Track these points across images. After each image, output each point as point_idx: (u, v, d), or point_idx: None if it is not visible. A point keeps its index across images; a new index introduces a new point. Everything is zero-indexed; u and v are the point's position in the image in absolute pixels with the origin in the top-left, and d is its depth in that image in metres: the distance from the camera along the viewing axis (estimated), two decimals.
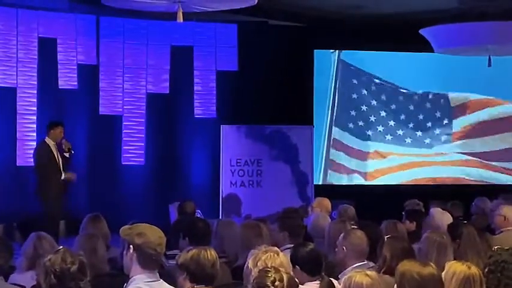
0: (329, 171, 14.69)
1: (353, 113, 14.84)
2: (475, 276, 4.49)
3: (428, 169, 14.99)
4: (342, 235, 5.94)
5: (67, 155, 10.90)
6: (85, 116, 13.02)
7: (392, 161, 14.90)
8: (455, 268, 4.54)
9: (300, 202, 12.26)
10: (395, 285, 4.41)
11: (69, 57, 12.82)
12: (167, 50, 13.67)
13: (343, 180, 14.75)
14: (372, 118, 14.89)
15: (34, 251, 5.77)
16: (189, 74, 13.79)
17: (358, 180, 14.76)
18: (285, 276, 4.09)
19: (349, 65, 14.88)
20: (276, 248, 4.77)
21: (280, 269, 4.20)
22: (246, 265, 4.65)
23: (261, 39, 13.85)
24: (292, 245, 6.16)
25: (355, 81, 14.88)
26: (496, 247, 5.17)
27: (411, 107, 15.05)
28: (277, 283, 4.05)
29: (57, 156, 10.75)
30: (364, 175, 14.80)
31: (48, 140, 10.86)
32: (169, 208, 11.67)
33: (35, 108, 12.43)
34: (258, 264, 4.55)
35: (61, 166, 10.76)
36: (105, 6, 10.67)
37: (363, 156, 14.82)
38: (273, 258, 4.58)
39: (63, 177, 10.70)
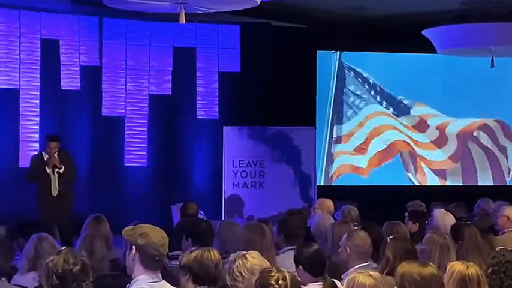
0: (331, 166, 14.68)
1: (354, 113, 14.85)
2: (471, 276, 4.47)
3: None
4: (345, 236, 5.94)
5: (61, 171, 11.00)
6: (88, 118, 13.02)
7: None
8: (454, 268, 4.54)
9: (302, 203, 12.26)
10: (396, 287, 4.41)
11: (72, 59, 12.82)
12: (170, 51, 13.66)
13: (346, 160, 14.73)
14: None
15: (35, 252, 5.80)
16: (191, 75, 13.79)
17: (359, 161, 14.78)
18: (287, 275, 4.11)
19: (351, 65, 14.88)
20: (243, 252, 4.73)
21: (282, 269, 4.22)
22: (227, 283, 4.62)
23: (263, 40, 13.84)
24: (292, 247, 6.18)
25: (357, 82, 14.88)
26: (499, 248, 5.17)
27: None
28: (280, 282, 4.08)
29: (51, 172, 11.01)
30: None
31: (45, 154, 11.11)
32: (171, 209, 11.68)
33: (38, 110, 12.43)
34: (234, 276, 4.54)
35: (54, 182, 11.00)
36: (108, 8, 10.64)
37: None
38: (242, 265, 4.56)
39: (52, 191, 10.97)
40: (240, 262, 4.56)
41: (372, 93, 14.89)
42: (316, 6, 13.53)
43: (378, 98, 14.91)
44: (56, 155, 11.07)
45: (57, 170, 11.00)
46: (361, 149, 14.81)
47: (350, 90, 14.85)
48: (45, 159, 11.06)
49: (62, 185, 11.06)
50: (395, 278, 4.49)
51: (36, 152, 11.70)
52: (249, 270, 4.47)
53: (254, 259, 4.59)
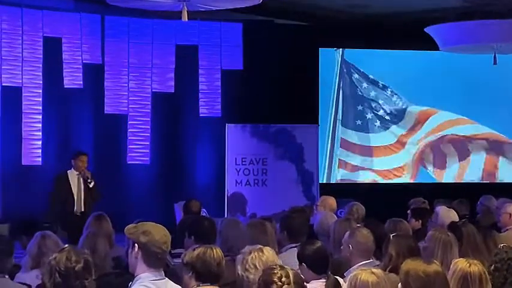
0: (335, 169, 14.66)
1: (357, 111, 14.84)
2: (473, 274, 4.46)
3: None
4: (347, 233, 5.92)
5: (90, 185, 10.87)
6: (90, 115, 13.03)
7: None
8: (457, 265, 4.53)
9: (305, 201, 12.26)
10: (400, 284, 4.40)
11: (74, 57, 12.83)
12: (172, 49, 13.67)
13: (349, 177, 14.73)
14: (376, 117, 14.91)
15: (38, 250, 5.80)
16: (194, 73, 13.79)
17: (363, 176, 14.75)
18: (290, 273, 4.12)
19: (354, 63, 14.86)
20: (259, 246, 4.77)
21: (285, 266, 4.22)
22: (237, 273, 4.65)
23: (266, 38, 13.83)
24: (295, 245, 6.17)
25: (359, 80, 14.87)
26: (502, 245, 5.16)
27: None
28: (283, 279, 4.08)
29: (77, 189, 10.81)
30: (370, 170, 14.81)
31: (70, 172, 10.88)
32: (174, 207, 11.69)
33: (40, 108, 12.45)
34: (247, 267, 4.57)
35: (79, 199, 10.79)
36: (110, 6, 10.67)
37: (367, 152, 14.81)
38: (258, 257, 4.61)
39: (76, 209, 10.77)
40: (256, 254, 4.64)
41: (375, 89, 14.88)
42: (318, 3, 13.52)
43: (394, 98, 14.92)
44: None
45: (88, 180, 10.84)
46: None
47: (353, 87, 14.83)
48: (76, 175, 10.83)
49: (87, 202, 10.80)
50: (399, 276, 4.48)
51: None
52: (264, 264, 4.56)
53: (269, 254, 4.69)
